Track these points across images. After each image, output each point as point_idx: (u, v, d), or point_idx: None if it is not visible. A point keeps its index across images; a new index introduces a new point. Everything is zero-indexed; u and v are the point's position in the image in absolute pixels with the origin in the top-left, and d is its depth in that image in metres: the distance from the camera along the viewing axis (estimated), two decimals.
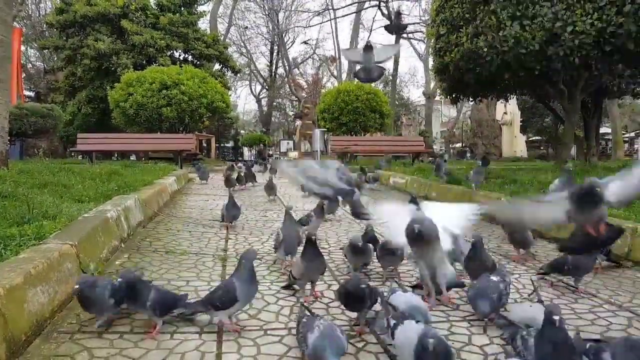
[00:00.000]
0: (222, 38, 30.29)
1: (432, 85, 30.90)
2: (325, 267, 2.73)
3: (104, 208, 3.87)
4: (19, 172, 5.91)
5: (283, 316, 2.43)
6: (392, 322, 1.87)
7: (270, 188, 6.70)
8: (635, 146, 28.88)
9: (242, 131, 44.80)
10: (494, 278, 2.39)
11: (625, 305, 2.66)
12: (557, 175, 6.55)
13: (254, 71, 44.96)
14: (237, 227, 4.75)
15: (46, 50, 28.11)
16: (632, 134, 30.87)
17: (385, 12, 32.42)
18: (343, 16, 47.98)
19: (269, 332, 2.23)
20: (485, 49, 7.33)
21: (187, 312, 2.30)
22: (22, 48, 26.15)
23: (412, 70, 65.95)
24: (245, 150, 39.79)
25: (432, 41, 9.55)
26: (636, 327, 2.36)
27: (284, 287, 2.81)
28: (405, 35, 34.27)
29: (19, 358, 1.89)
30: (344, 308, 2.34)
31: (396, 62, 29.04)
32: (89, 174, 6.38)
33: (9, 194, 3.96)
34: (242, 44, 42.66)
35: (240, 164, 13.56)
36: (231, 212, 4.64)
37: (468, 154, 27.47)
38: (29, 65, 33.92)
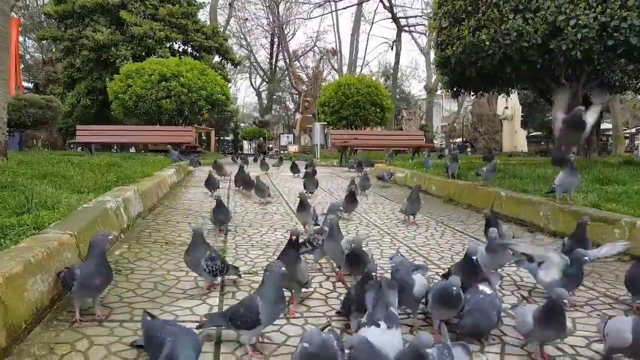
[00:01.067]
0: (221, 30, 30.14)
1: (433, 79, 30.82)
2: (306, 277, 2.43)
3: (103, 199, 3.86)
4: (18, 163, 5.90)
5: None
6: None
7: (260, 190, 5.89)
8: (636, 142, 28.89)
9: (241, 124, 44.71)
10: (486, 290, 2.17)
11: (622, 298, 2.67)
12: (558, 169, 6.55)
13: (254, 64, 44.84)
14: (237, 219, 4.75)
15: (44, 41, 27.97)
16: (633, 130, 30.84)
17: (387, 4, 32.23)
18: (344, 8, 47.75)
19: None
20: (487, 42, 7.28)
21: (207, 326, 2.03)
22: (20, 39, 26.03)
23: (414, 64, 65.85)
24: (245, 143, 39.74)
25: (434, 34, 9.49)
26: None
27: None
28: (406, 28, 34.17)
29: (20, 345, 1.89)
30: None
31: (397, 56, 28.93)
32: (88, 165, 6.37)
33: (8, 184, 3.95)
34: (242, 35, 42.53)
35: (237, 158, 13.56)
36: (217, 216, 4.06)
37: (468, 149, 27.43)
38: (27, 56, 33.76)
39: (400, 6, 39.56)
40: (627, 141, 27.73)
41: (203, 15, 29.13)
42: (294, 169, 9.57)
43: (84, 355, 1.86)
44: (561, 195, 4.43)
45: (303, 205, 4.03)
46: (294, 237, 2.34)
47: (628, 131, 30.19)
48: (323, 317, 2.31)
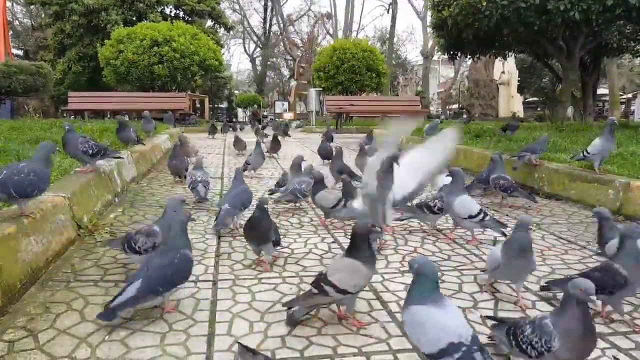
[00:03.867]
0: None
1: (429, 44, 30.31)
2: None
3: (98, 162, 3.82)
4: (9, 129, 5.83)
5: (278, 266, 2.46)
6: None
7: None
8: (632, 107, 28.72)
9: (235, 91, 44.12)
10: None
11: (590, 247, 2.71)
12: (546, 132, 6.52)
13: (247, 29, 43.87)
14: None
15: (33, 6, 27.17)
16: (630, 95, 30.62)
17: None
18: None
19: (263, 280, 2.26)
20: (485, 3, 7.15)
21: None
22: (8, 4, 25.28)
23: (410, 29, 64.38)
24: (240, 111, 39.31)
25: None
26: None
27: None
28: None
29: (16, 304, 1.91)
30: None
31: (393, 19, 28.35)
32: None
33: None
34: None
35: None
36: (121, 135, 4.96)
37: (464, 116, 27.30)
38: (16, 22, 32.86)
39: None
40: (622, 106, 27.54)
41: None
42: (275, 145, 7.02)
43: (80, 314, 1.87)
44: (599, 165, 3.92)
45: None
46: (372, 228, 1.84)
47: (624, 96, 29.98)
48: None
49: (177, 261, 1.83)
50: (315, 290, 1.77)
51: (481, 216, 2.78)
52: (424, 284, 1.43)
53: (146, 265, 1.82)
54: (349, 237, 2.33)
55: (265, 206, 2.36)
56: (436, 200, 3.04)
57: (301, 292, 2.11)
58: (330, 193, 3.17)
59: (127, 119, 4.92)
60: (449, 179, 3.15)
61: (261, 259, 2.46)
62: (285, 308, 1.88)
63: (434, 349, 1.33)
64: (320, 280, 1.78)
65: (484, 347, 1.37)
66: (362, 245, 1.80)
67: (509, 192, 3.78)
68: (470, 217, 2.80)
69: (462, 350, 1.30)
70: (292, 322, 1.81)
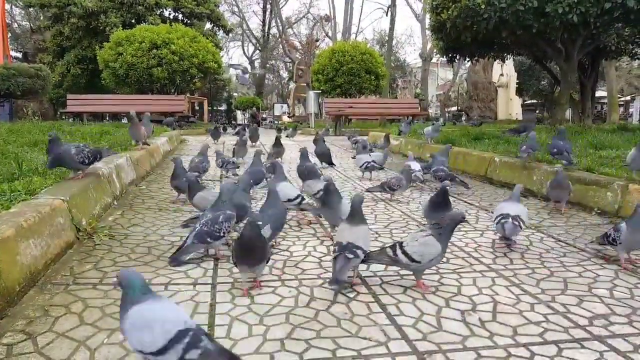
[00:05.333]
0: None
1: (428, 47, 30.37)
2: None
3: (95, 165, 3.82)
4: (8, 132, 5.83)
5: (276, 269, 2.46)
6: None
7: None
8: (630, 110, 28.82)
9: (235, 94, 44.14)
10: None
11: (613, 259, 2.71)
12: (542, 133, 6.51)
13: (247, 31, 43.95)
14: None
15: (32, 9, 27.22)
16: (628, 98, 30.73)
17: None
18: None
19: (262, 283, 2.26)
20: (483, 6, 7.17)
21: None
22: (7, 6, 25.28)
23: (409, 31, 64.68)
24: (239, 113, 39.35)
25: None
26: (622, 279, 2.41)
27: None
28: None
29: (14, 307, 1.90)
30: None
31: (392, 21, 28.36)
32: (80, 133, 6.31)
33: None
34: (233, 2, 41.52)
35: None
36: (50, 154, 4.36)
37: (463, 118, 27.31)
38: (15, 25, 32.90)
39: None
40: (621, 109, 27.65)
41: None
42: (278, 149, 6.54)
43: (79, 317, 1.87)
44: (636, 172, 3.88)
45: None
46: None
47: (623, 99, 30.09)
48: (317, 279, 2.34)
49: (282, 212, 2.79)
50: (350, 255, 2.14)
51: (299, 200, 3.29)
52: (134, 291, 1.40)
53: (263, 216, 2.55)
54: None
55: (259, 223, 2.16)
56: (611, 230, 2.61)
57: (299, 295, 2.12)
58: (210, 194, 3.21)
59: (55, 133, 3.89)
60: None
61: (250, 281, 2.25)
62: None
63: (162, 341, 1.33)
64: (351, 248, 2.15)
65: (208, 334, 1.43)
66: (361, 212, 2.29)
67: (442, 181, 4.40)
68: (289, 200, 3.24)
69: (189, 335, 1.34)
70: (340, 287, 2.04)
